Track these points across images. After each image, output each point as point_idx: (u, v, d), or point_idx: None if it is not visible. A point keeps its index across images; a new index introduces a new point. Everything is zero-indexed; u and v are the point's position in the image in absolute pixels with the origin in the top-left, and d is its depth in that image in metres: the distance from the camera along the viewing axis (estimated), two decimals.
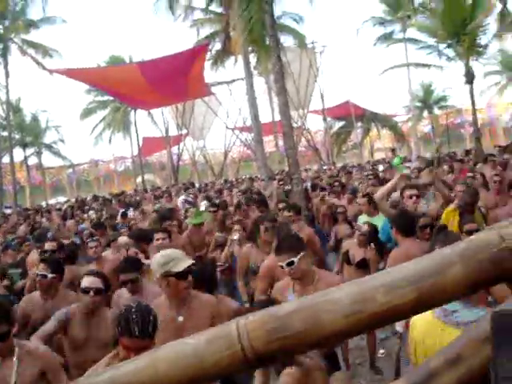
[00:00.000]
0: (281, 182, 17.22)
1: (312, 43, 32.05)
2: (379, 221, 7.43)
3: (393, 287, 1.15)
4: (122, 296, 5.16)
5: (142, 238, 6.87)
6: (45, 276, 5.11)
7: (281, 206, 9.90)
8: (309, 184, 15.97)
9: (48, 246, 6.59)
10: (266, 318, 1.23)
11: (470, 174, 10.07)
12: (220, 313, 4.12)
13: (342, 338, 1.22)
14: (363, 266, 6.71)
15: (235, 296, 7.37)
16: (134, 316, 2.98)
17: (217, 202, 11.84)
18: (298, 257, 4.13)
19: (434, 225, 5.78)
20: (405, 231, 5.28)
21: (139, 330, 2.93)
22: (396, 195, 8.09)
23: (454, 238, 3.01)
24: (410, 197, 6.62)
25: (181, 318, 3.92)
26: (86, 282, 4.48)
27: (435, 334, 2.77)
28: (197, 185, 26.02)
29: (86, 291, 4.43)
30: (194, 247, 8.05)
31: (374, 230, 6.92)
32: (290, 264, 4.12)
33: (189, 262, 3.96)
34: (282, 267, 4.21)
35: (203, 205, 12.07)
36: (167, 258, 3.92)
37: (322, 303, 1.20)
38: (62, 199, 31.98)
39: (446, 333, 2.69)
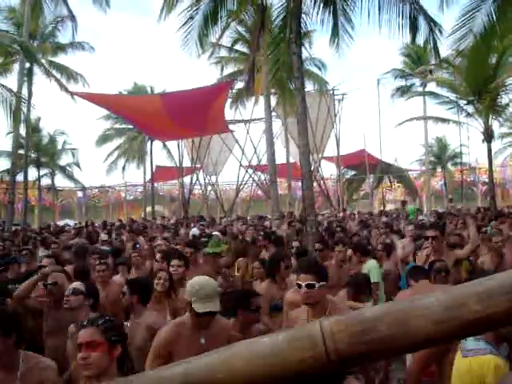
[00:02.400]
0: (292, 223, 17.20)
1: (332, 90, 32.42)
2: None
3: (486, 296, 1.15)
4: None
5: None
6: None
7: (295, 243, 10.00)
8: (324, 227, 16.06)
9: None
10: (352, 321, 1.23)
11: (484, 229, 10.08)
12: (235, 337, 4.02)
13: (429, 344, 1.21)
14: None
15: None
16: None
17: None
18: (320, 283, 4.03)
19: (449, 270, 5.82)
20: (414, 276, 5.30)
21: None
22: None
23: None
24: (427, 238, 6.67)
25: (203, 341, 3.90)
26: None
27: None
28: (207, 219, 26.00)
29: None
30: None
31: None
32: (311, 286, 4.00)
33: (209, 307, 3.86)
34: (299, 286, 4.06)
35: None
36: (197, 290, 3.88)
37: (410, 309, 1.20)
38: (70, 222, 31.91)
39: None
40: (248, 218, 26.03)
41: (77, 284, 4.70)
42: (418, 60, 31.99)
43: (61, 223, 30.78)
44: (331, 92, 32.49)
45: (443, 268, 5.66)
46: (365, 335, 1.19)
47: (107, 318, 2.92)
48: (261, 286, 6.56)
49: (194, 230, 16.97)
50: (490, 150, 21.23)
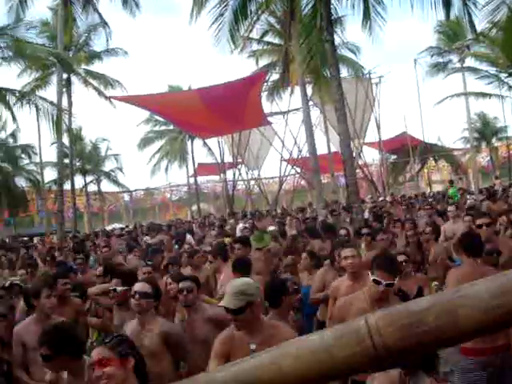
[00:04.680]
0: (334, 212, 17.04)
1: (368, 74, 31.98)
2: None
3: None
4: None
5: None
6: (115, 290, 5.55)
7: (343, 231, 9.92)
8: (366, 214, 15.83)
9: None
10: (398, 314, 1.22)
11: None
12: None
13: (479, 334, 1.20)
14: None
15: (301, 325, 7.16)
16: None
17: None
18: (396, 280, 4.19)
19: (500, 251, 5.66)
20: (469, 251, 5.14)
21: None
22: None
23: None
24: (479, 226, 6.37)
25: (253, 346, 3.75)
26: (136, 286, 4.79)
27: None
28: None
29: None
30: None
31: None
32: (390, 286, 4.15)
33: (223, 303, 3.82)
34: (377, 282, 4.16)
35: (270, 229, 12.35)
36: (227, 289, 3.94)
37: (457, 298, 1.18)
38: (118, 225, 32.49)
39: None
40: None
41: (144, 286, 4.79)
42: (453, 36, 31.21)
43: (109, 227, 31.42)
44: (368, 76, 32.03)
45: (494, 250, 5.58)
46: (412, 328, 1.18)
47: (114, 335, 3.11)
48: (318, 272, 6.82)
49: (241, 226, 17.02)
50: None
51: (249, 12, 16.37)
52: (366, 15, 15.17)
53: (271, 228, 13.36)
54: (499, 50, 20.91)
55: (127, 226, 26.72)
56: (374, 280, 4.19)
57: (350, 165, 12.92)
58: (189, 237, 15.20)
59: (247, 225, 16.41)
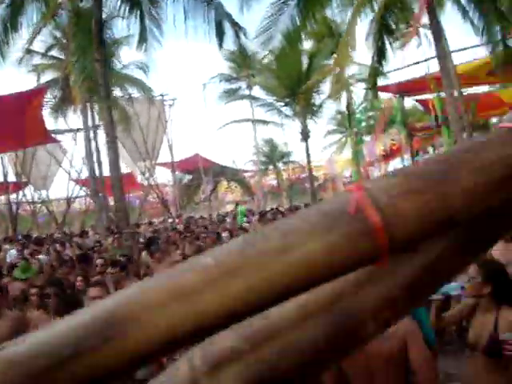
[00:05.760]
0: (116, 235, 16.53)
1: (161, 95, 31.98)
2: None
3: None
4: None
5: None
6: None
7: (100, 261, 9.37)
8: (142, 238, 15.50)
9: None
10: None
11: None
12: None
13: None
14: None
15: None
16: None
17: None
18: None
19: None
20: None
21: None
22: None
23: None
24: None
25: None
26: None
27: None
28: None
29: None
30: None
31: None
32: None
33: None
34: None
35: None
36: None
37: None
38: None
39: None
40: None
41: None
42: (242, 64, 32.40)
43: None
44: (160, 98, 31.99)
45: None
46: None
47: None
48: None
49: (12, 252, 15.62)
50: (307, 149, 22.05)
51: (19, 25, 15.38)
52: (142, 37, 15.05)
53: (41, 256, 12.55)
54: (277, 80, 22.06)
55: None
56: None
57: (119, 190, 12.53)
58: None
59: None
